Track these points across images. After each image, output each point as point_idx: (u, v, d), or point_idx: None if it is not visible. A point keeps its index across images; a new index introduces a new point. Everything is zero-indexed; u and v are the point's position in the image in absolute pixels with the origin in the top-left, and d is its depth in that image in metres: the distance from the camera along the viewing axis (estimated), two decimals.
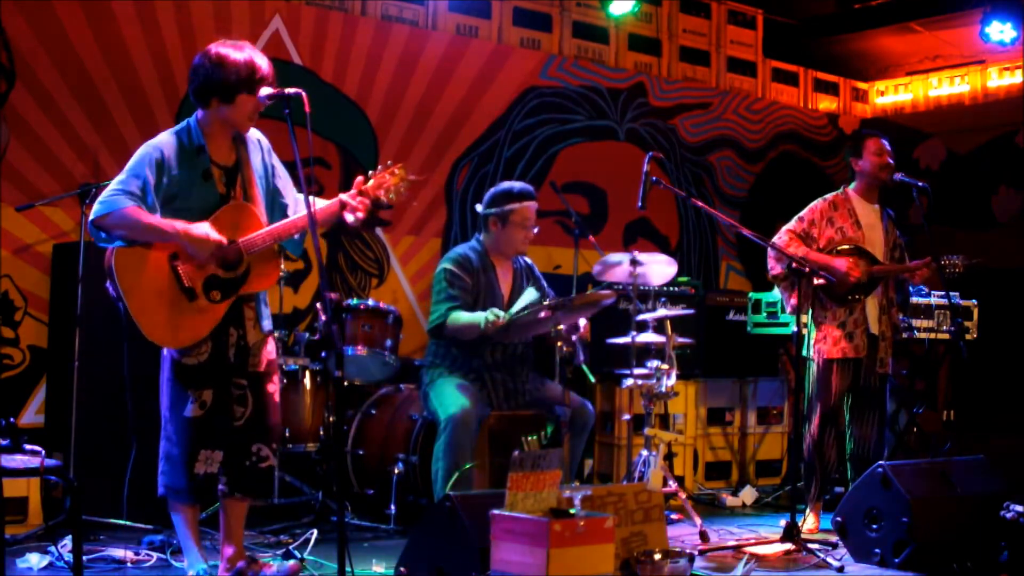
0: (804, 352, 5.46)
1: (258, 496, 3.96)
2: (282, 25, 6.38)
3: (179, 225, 3.66)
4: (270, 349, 3.97)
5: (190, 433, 3.78)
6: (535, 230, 5.16)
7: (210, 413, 3.80)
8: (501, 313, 4.87)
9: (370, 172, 3.93)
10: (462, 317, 4.93)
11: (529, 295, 5.02)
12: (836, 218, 5.48)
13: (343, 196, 3.86)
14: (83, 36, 5.65)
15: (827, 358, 5.40)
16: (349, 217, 3.85)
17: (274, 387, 3.95)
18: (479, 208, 5.19)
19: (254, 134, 3.98)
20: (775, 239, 5.45)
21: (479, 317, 4.87)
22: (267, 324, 3.97)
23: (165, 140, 3.78)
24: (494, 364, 5.04)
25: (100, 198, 3.67)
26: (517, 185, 5.17)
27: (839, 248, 5.42)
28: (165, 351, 3.83)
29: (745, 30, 8.79)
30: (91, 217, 3.66)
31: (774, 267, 5.45)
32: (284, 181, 4.00)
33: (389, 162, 3.97)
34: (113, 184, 3.68)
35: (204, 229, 3.68)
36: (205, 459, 3.80)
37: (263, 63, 3.79)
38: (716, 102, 8.54)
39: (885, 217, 5.58)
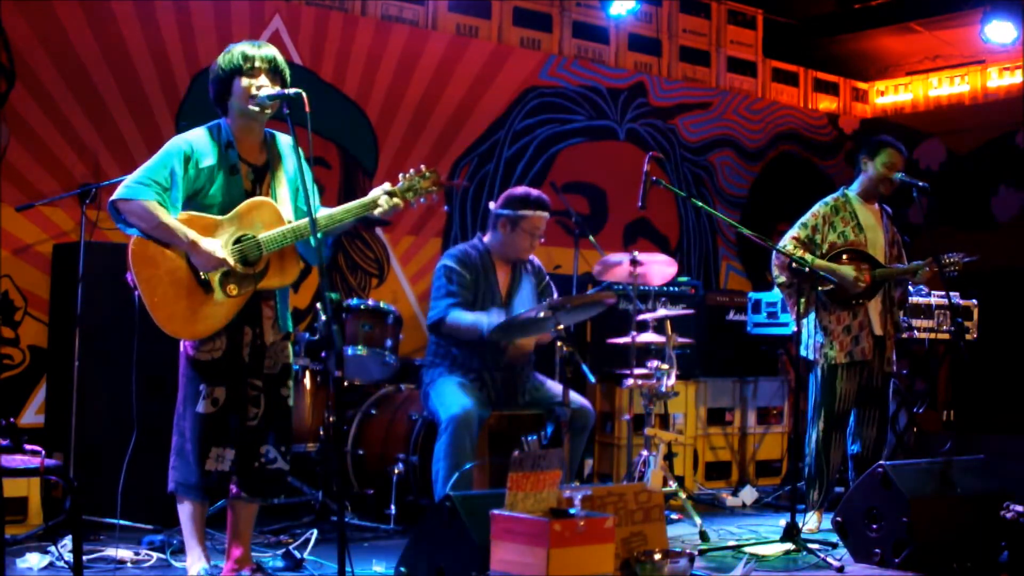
0: (807, 355, 5.45)
1: (264, 498, 3.96)
2: (282, 25, 6.38)
3: (191, 234, 3.66)
4: (288, 352, 3.97)
5: (202, 429, 3.78)
6: (541, 240, 5.15)
7: (223, 411, 3.79)
8: (501, 318, 4.84)
9: (401, 174, 3.93)
10: (465, 317, 4.92)
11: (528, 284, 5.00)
12: (838, 222, 5.47)
13: (375, 194, 3.86)
14: (83, 36, 5.65)
15: (834, 363, 5.39)
16: (377, 213, 3.87)
17: (288, 391, 3.94)
18: (492, 206, 5.17)
19: (286, 139, 3.98)
20: (779, 245, 5.44)
21: (482, 322, 4.85)
22: (288, 324, 3.97)
23: (195, 134, 3.82)
24: (494, 364, 5.03)
25: (127, 181, 3.69)
26: (535, 192, 5.14)
27: (841, 252, 5.41)
28: (182, 346, 3.84)
29: (745, 30, 8.79)
30: (113, 197, 3.68)
31: (780, 274, 5.44)
32: (309, 191, 3.99)
33: (422, 166, 3.97)
34: (141, 170, 3.70)
35: (212, 246, 3.67)
36: (216, 456, 3.79)
37: (255, 49, 3.81)
38: (716, 102, 8.54)
39: (884, 216, 5.59)
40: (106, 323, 4.94)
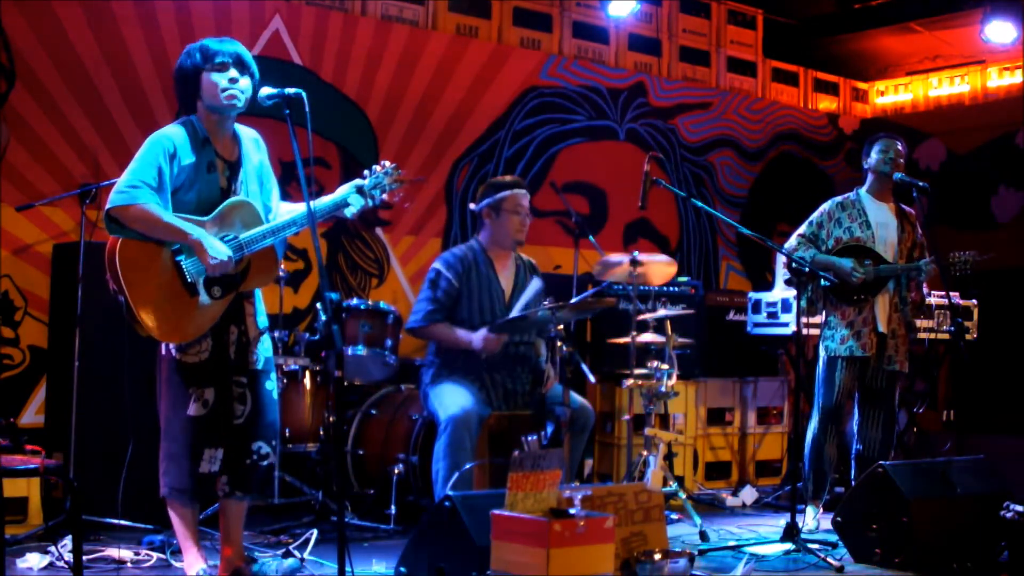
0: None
1: (259, 495, 3.95)
2: (282, 25, 6.38)
3: (198, 230, 3.65)
4: (268, 345, 3.96)
5: (193, 432, 3.76)
6: (529, 219, 5.17)
7: (212, 411, 3.78)
8: (492, 334, 4.88)
9: (365, 171, 3.95)
10: (452, 333, 4.96)
11: (534, 286, 5.03)
12: (845, 219, 5.49)
13: (342, 192, 3.89)
14: (83, 36, 5.65)
15: (834, 355, 5.40)
16: (347, 212, 3.89)
17: (272, 384, 3.94)
18: (472, 206, 5.22)
19: (251, 133, 3.98)
20: (786, 244, 5.46)
21: (472, 339, 4.89)
22: (264, 321, 3.97)
23: (173, 130, 3.77)
24: (494, 364, 5.03)
25: (118, 187, 3.62)
26: (509, 176, 5.22)
27: (844, 248, 5.42)
28: (163, 350, 3.82)
29: (745, 30, 8.79)
30: (108, 206, 3.61)
31: (785, 273, 5.47)
32: (271, 185, 4.01)
33: (385, 162, 3.99)
34: (129, 174, 3.64)
35: (219, 248, 3.65)
36: (209, 458, 3.78)
37: (218, 44, 3.78)
38: (716, 102, 8.54)
39: (900, 216, 5.57)
40: (106, 323, 4.94)
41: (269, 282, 3.93)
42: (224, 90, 3.72)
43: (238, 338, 3.85)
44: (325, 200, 3.89)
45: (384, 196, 3.96)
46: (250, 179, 3.88)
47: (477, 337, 4.89)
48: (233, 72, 3.75)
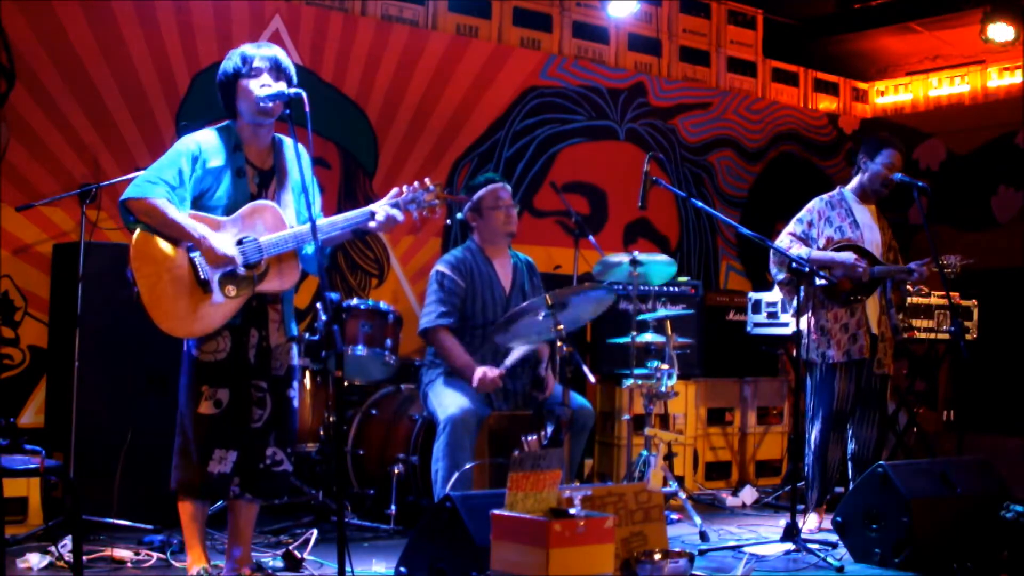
0: (805, 355, 5.44)
1: (269, 498, 3.95)
2: (282, 25, 6.38)
3: (201, 229, 3.66)
4: (293, 354, 3.97)
5: (204, 430, 3.77)
6: (515, 210, 5.19)
7: (226, 412, 3.78)
8: (496, 371, 4.86)
9: (405, 186, 3.93)
10: (458, 350, 4.95)
11: (519, 351, 5.01)
12: (834, 217, 5.48)
13: (374, 206, 3.88)
14: (83, 36, 5.65)
15: (832, 363, 5.37)
16: (372, 224, 3.87)
17: (294, 392, 3.94)
18: (459, 216, 5.26)
19: (292, 143, 3.97)
20: (776, 243, 5.44)
21: (472, 376, 4.86)
22: (293, 328, 3.97)
23: (204, 134, 3.82)
24: (493, 364, 5.02)
25: (136, 180, 3.70)
26: (480, 177, 5.28)
27: (834, 247, 5.41)
28: (185, 346, 3.83)
29: (745, 30, 8.79)
30: (123, 196, 3.69)
31: (779, 271, 5.44)
32: (310, 196, 3.99)
33: (427, 179, 3.97)
34: (150, 170, 3.72)
35: (222, 242, 3.67)
36: (219, 458, 3.78)
37: (255, 49, 3.81)
38: (716, 102, 8.54)
39: (881, 219, 5.58)
40: (106, 323, 4.94)
41: (288, 287, 3.90)
42: (258, 97, 3.74)
43: (259, 342, 3.85)
44: (353, 212, 3.88)
45: (424, 213, 3.95)
46: (285, 189, 3.89)
47: (476, 376, 4.86)
48: (267, 78, 3.77)
